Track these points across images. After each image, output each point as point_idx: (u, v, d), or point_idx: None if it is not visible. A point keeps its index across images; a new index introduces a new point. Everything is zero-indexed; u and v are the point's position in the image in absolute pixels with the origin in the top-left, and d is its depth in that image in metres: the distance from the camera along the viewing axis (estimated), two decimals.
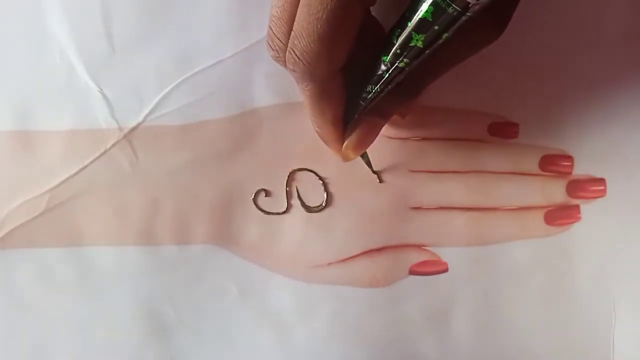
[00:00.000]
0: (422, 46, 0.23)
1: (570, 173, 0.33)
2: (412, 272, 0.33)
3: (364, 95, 0.26)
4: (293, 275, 0.33)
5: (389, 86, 0.26)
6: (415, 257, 0.33)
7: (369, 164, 0.32)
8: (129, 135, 0.33)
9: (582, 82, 0.32)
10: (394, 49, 0.24)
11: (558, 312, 0.32)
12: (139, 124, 0.33)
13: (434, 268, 0.33)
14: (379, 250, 0.33)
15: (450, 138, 0.33)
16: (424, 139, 0.33)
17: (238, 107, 0.33)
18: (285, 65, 0.25)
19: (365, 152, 0.31)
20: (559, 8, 0.32)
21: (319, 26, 0.23)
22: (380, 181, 0.33)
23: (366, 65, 0.26)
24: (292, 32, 0.24)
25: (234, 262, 0.33)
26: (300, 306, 0.33)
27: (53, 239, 0.33)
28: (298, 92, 0.32)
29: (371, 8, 0.26)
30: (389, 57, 0.24)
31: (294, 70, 0.25)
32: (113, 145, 0.33)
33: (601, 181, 0.32)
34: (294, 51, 0.24)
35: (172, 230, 0.33)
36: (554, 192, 0.33)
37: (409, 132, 0.33)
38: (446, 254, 0.33)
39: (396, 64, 0.24)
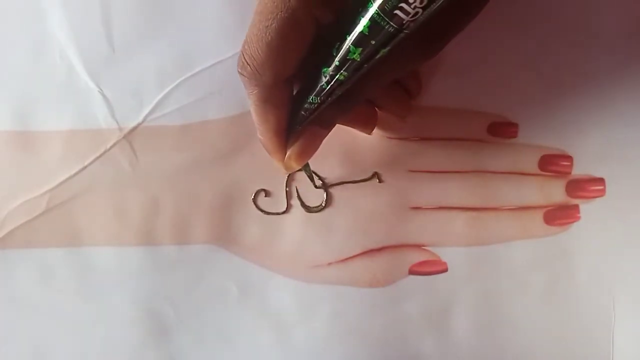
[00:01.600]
0: (359, 60, 0.23)
1: (570, 173, 0.33)
2: (412, 272, 0.33)
3: (306, 106, 0.26)
4: (293, 275, 0.33)
5: (330, 98, 0.26)
6: (415, 257, 0.33)
7: (310, 176, 0.32)
8: (129, 136, 0.33)
9: (582, 82, 0.32)
10: (334, 61, 0.24)
11: (558, 312, 0.32)
12: (139, 124, 0.33)
13: (433, 268, 0.33)
14: (379, 250, 0.33)
15: (450, 138, 0.33)
16: (424, 139, 0.33)
17: (238, 107, 0.33)
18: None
19: (308, 164, 0.31)
20: (558, 8, 0.32)
21: (267, 34, 0.23)
22: (380, 181, 0.33)
23: (309, 77, 0.26)
24: (245, 38, 0.24)
25: (234, 262, 0.33)
26: (300, 306, 0.33)
27: (53, 239, 0.33)
28: None
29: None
30: (329, 70, 0.24)
31: (241, 74, 0.25)
32: (113, 146, 0.33)
33: (601, 181, 0.32)
34: (243, 55, 0.25)
35: (172, 230, 0.33)
36: (554, 192, 0.33)
37: (409, 132, 0.33)
38: (446, 254, 0.33)
39: (336, 76, 0.24)
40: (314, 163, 0.33)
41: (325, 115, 0.27)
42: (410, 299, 0.33)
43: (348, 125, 0.31)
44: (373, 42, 0.23)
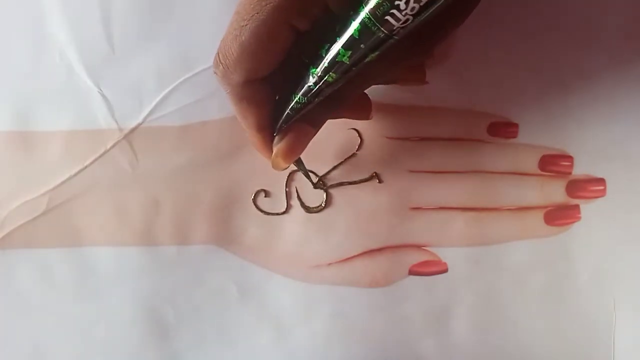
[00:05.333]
0: (348, 62, 0.23)
1: (570, 173, 0.33)
2: (412, 272, 0.33)
3: (292, 105, 0.26)
4: (293, 275, 0.33)
5: (317, 98, 0.26)
6: (415, 257, 0.33)
7: (306, 173, 0.32)
8: (129, 136, 0.33)
9: (582, 82, 0.32)
10: (322, 63, 0.24)
11: (558, 312, 0.32)
12: (139, 125, 0.33)
13: (433, 268, 0.33)
14: (379, 250, 0.33)
15: (450, 138, 0.33)
16: (424, 139, 0.33)
17: None
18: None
19: (301, 162, 0.31)
20: (558, 8, 0.32)
21: (242, 34, 0.23)
22: (380, 181, 0.33)
23: (295, 76, 0.26)
24: (223, 36, 0.24)
25: (234, 262, 0.33)
26: (300, 306, 0.33)
27: (53, 239, 0.33)
28: None
29: None
30: (317, 71, 0.24)
31: (215, 72, 0.25)
32: (113, 146, 0.33)
33: (601, 181, 0.32)
34: (218, 54, 0.25)
35: (172, 231, 0.33)
36: (554, 192, 0.33)
37: (409, 132, 0.33)
38: (446, 254, 0.33)
39: (325, 77, 0.24)
40: (314, 163, 0.33)
41: (313, 114, 0.27)
42: (410, 299, 0.33)
43: (345, 117, 0.30)
44: (362, 46, 0.23)
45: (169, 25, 0.33)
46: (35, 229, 0.33)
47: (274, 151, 0.28)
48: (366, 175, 0.33)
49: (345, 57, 0.23)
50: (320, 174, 0.33)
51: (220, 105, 0.33)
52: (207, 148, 0.33)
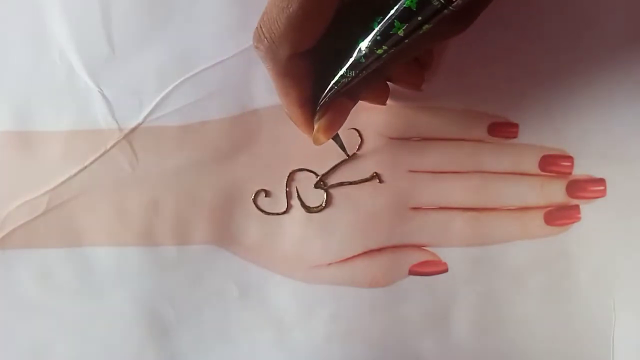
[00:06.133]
0: (402, 35, 0.23)
1: (570, 173, 0.33)
2: (412, 273, 0.33)
3: (338, 79, 0.26)
4: (293, 275, 0.33)
5: (365, 71, 0.26)
6: (415, 258, 0.33)
7: (342, 146, 0.32)
8: (129, 136, 0.33)
9: (582, 82, 0.32)
10: (373, 35, 0.24)
11: (558, 312, 0.32)
12: (139, 125, 0.33)
13: (433, 268, 0.33)
14: (379, 250, 0.33)
15: (450, 138, 0.33)
16: (424, 139, 0.33)
17: (238, 107, 0.33)
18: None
19: (338, 135, 0.31)
20: (558, 8, 0.32)
21: (290, 6, 0.23)
22: (380, 181, 0.33)
23: (340, 50, 0.26)
24: (264, 9, 0.24)
25: (234, 262, 0.33)
26: (300, 306, 0.33)
27: (53, 239, 0.33)
28: None
29: None
30: (367, 44, 0.24)
31: (257, 48, 0.25)
32: (113, 146, 0.33)
33: (601, 181, 0.32)
34: (261, 28, 0.24)
35: (172, 231, 0.33)
36: (554, 192, 0.33)
37: (409, 132, 0.33)
38: (446, 254, 0.33)
39: (375, 50, 0.24)
40: (314, 163, 0.33)
41: (353, 87, 0.27)
42: (410, 299, 0.33)
43: (362, 100, 0.30)
44: (419, 18, 0.22)
45: (169, 25, 0.33)
46: (35, 229, 0.33)
47: (316, 127, 0.28)
48: (366, 175, 0.33)
49: (400, 30, 0.23)
50: (320, 174, 0.33)
51: (220, 105, 0.33)
52: (207, 148, 0.33)
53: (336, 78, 0.26)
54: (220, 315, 0.33)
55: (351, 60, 0.25)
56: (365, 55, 0.25)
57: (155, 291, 0.33)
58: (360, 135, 0.33)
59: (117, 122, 0.33)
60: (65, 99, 0.33)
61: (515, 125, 0.33)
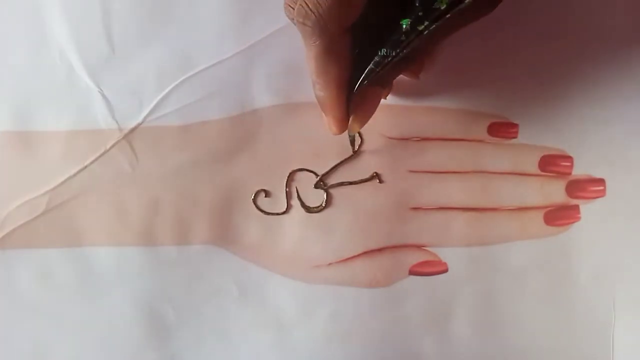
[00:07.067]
0: (444, 9, 0.23)
1: (570, 173, 0.33)
2: (412, 273, 0.33)
3: (377, 59, 0.26)
4: (293, 275, 0.33)
5: (405, 50, 0.25)
6: (415, 258, 0.33)
7: (353, 141, 0.32)
8: (129, 136, 0.33)
9: (582, 82, 0.32)
10: (417, 10, 0.24)
11: (558, 312, 0.32)
12: (138, 125, 0.33)
13: (434, 268, 0.33)
14: (379, 250, 0.33)
15: (450, 138, 0.33)
16: (424, 139, 0.33)
17: (238, 107, 0.33)
18: (294, 19, 0.25)
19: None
20: (559, 8, 0.32)
21: None
22: (380, 181, 0.33)
23: (378, 29, 0.26)
24: None
25: (234, 262, 0.33)
26: (300, 306, 0.33)
27: (53, 239, 0.33)
28: (298, 93, 0.33)
29: None
30: (409, 20, 0.24)
31: (303, 24, 0.25)
32: (113, 146, 0.33)
33: (601, 181, 0.32)
34: (306, 4, 0.24)
35: (172, 231, 0.33)
36: (554, 192, 0.33)
37: (409, 132, 0.33)
38: (446, 254, 0.33)
39: (417, 27, 0.24)
40: (314, 163, 0.33)
41: (385, 74, 0.27)
42: (410, 299, 0.33)
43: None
44: None
45: (169, 26, 0.33)
46: (35, 229, 0.33)
47: (352, 117, 0.28)
48: (366, 175, 0.33)
49: (443, 2, 0.23)
50: (320, 174, 0.33)
51: (220, 105, 0.33)
52: (207, 148, 0.33)
53: (376, 58, 0.26)
54: (220, 315, 0.33)
55: (392, 38, 0.25)
56: (406, 32, 0.25)
57: (155, 291, 0.33)
58: (360, 135, 0.33)
59: (117, 122, 0.33)
60: (65, 99, 0.33)
61: (515, 125, 0.33)
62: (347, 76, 0.27)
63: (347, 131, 0.29)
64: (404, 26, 0.25)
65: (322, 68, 0.27)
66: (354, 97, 0.28)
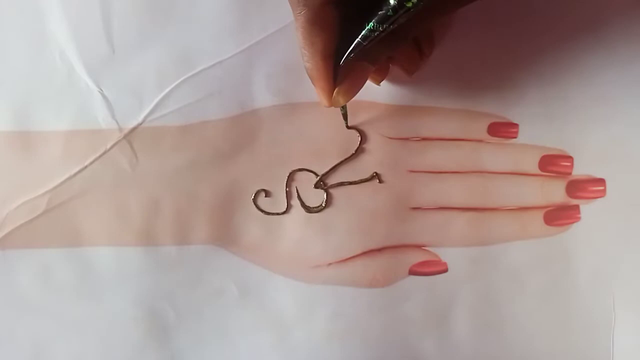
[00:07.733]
0: None
1: (570, 173, 0.33)
2: (412, 272, 0.33)
3: (365, 33, 0.26)
4: (293, 275, 0.33)
5: (392, 26, 0.25)
6: (415, 257, 0.33)
7: (345, 116, 0.32)
8: (129, 136, 0.33)
9: (582, 82, 0.32)
10: None
11: (558, 312, 0.32)
12: (138, 125, 0.33)
13: (433, 268, 0.33)
14: (379, 250, 0.33)
15: (450, 138, 0.33)
16: (424, 139, 0.33)
17: (238, 107, 0.33)
18: None
19: (345, 104, 0.31)
20: (559, 8, 0.32)
21: None
22: (380, 181, 0.33)
23: (368, 2, 0.25)
24: None
25: (233, 262, 0.33)
26: (300, 306, 0.33)
27: (53, 239, 0.33)
28: (298, 93, 0.33)
29: None
30: None
31: None
32: (113, 146, 0.33)
33: (601, 181, 0.32)
34: None
35: (172, 231, 0.33)
36: (554, 192, 0.33)
37: (409, 132, 0.33)
38: (446, 254, 0.33)
39: (404, 3, 0.24)
40: (314, 163, 0.33)
41: (373, 49, 0.27)
42: (410, 299, 0.33)
43: (393, 64, 0.30)
44: None
45: (169, 25, 0.33)
46: (35, 229, 0.33)
47: (336, 89, 0.28)
48: (366, 175, 0.33)
49: None
50: (320, 174, 0.33)
51: (220, 105, 0.33)
52: (207, 148, 0.33)
53: (363, 32, 0.26)
54: (220, 315, 0.33)
55: (380, 13, 0.25)
56: (393, 8, 0.25)
57: (155, 291, 0.33)
58: (360, 135, 0.33)
59: (117, 122, 0.33)
60: (65, 99, 0.33)
61: (515, 125, 0.33)
62: (333, 48, 0.27)
63: (339, 108, 0.29)
64: (392, 2, 0.25)
65: (308, 39, 0.27)
66: (340, 70, 0.28)
